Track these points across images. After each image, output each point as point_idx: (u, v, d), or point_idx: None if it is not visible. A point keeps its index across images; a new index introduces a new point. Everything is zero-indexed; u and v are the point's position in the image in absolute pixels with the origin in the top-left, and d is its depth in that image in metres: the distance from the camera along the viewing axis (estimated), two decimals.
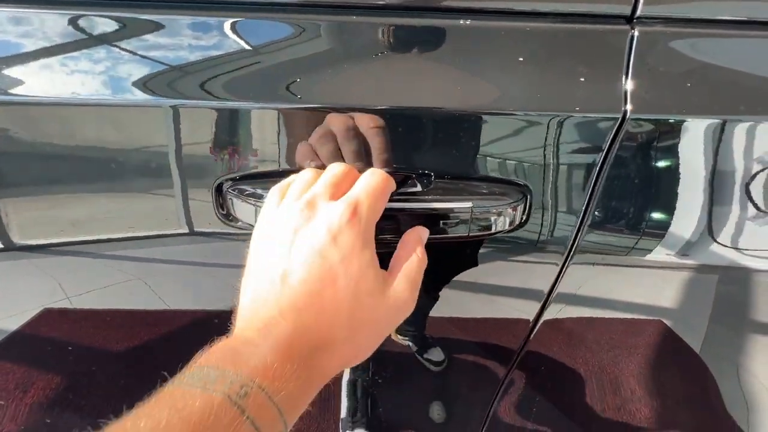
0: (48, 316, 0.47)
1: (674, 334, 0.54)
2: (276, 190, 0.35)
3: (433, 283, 0.48)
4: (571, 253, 0.43)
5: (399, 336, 0.53)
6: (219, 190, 0.39)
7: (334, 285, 0.30)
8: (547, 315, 0.49)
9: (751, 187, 0.41)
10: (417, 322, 0.51)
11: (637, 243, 0.43)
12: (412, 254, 0.35)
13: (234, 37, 0.36)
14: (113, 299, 0.46)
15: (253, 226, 0.37)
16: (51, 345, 0.50)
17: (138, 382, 0.55)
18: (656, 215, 0.42)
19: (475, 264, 0.44)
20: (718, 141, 0.39)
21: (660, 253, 0.44)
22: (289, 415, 0.27)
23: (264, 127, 0.37)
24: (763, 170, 0.40)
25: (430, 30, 0.37)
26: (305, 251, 0.31)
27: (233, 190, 0.38)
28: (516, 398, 0.59)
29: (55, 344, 0.50)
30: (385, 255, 0.41)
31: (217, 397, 0.24)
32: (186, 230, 0.41)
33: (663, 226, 0.43)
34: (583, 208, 0.41)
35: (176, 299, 0.47)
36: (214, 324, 0.49)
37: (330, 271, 0.30)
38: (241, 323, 0.31)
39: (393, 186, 0.35)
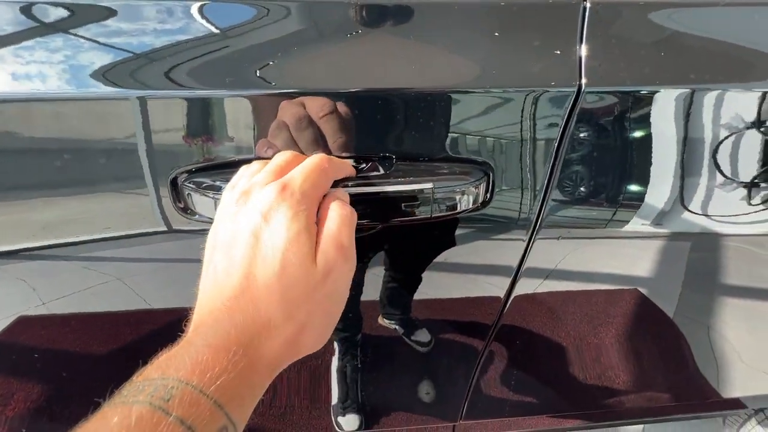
0: (24, 323, 0.45)
1: (649, 302, 0.56)
2: (228, 188, 0.35)
3: (415, 264, 0.48)
4: (537, 228, 0.44)
5: (386, 320, 0.53)
6: (174, 183, 0.38)
7: (265, 263, 0.30)
8: (519, 289, 0.50)
9: (710, 155, 0.42)
10: (402, 305, 0.52)
11: (603, 215, 0.45)
12: (331, 214, 0.33)
13: (200, 21, 0.35)
14: (92, 302, 0.45)
15: (211, 219, 0.36)
16: (29, 353, 0.48)
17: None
18: (616, 187, 0.43)
19: (453, 243, 0.45)
20: (675, 110, 0.40)
21: (630, 225, 0.45)
22: (231, 407, 0.26)
23: (227, 116, 0.36)
24: (724, 137, 0.42)
25: (379, 9, 0.36)
26: (241, 236, 0.31)
27: (189, 183, 0.38)
28: (496, 371, 0.60)
29: (33, 352, 0.48)
30: (357, 241, 0.41)
31: (137, 408, 0.23)
32: (164, 228, 0.40)
33: (626, 199, 0.44)
34: (545, 183, 0.41)
35: (157, 298, 0.46)
36: None
37: (262, 250, 0.30)
38: (189, 327, 0.31)
39: (335, 166, 0.34)
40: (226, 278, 0.30)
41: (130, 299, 0.45)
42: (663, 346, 0.63)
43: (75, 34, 0.34)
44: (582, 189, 0.42)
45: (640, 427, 1.19)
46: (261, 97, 0.36)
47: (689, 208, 0.45)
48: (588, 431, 0.77)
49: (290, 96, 0.35)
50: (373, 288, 0.49)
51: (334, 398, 0.61)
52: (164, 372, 0.26)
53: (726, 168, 0.43)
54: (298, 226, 0.30)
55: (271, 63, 0.35)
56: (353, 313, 0.52)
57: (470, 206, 0.41)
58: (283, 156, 0.35)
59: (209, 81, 0.35)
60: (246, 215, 0.31)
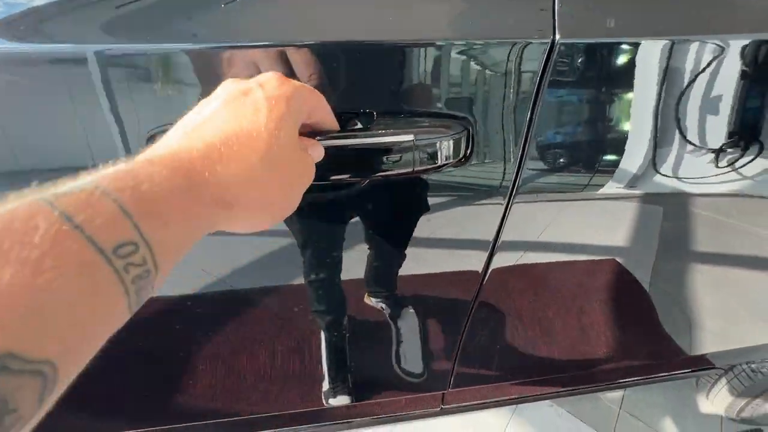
0: None
1: (625, 270, 0.57)
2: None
3: (397, 234, 0.48)
4: (514, 190, 0.44)
5: (372, 299, 0.53)
6: (152, 142, 0.36)
7: (257, 115, 0.28)
8: (498, 262, 0.50)
9: (684, 109, 0.42)
10: (387, 283, 0.52)
11: (580, 179, 0.45)
12: (311, 146, 0.34)
13: None
14: None
15: None
16: None
17: (118, 381, 0.53)
18: (593, 147, 0.43)
19: (427, 208, 0.45)
20: (649, 63, 0.40)
21: (605, 188, 0.46)
22: (147, 223, 0.22)
23: (204, 69, 0.35)
24: (703, 91, 0.41)
25: None
26: (227, 94, 0.29)
27: None
28: (480, 341, 0.61)
29: None
30: (342, 198, 0.39)
31: (19, 201, 0.19)
32: None
33: (602, 166, 0.44)
34: (523, 139, 0.41)
35: None
36: (191, 308, 0.48)
37: (255, 104, 0.29)
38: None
39: (323, 98, 0.34)
40: (197, 119, 0.28)
41: None
42: (638, 311, 0.66)
43: None
44: (559, 143, 0.42)
45: (621, 392, 1.24)
46: (236, 50, 0.35)
47: (660, 171, 0.46)
48: (571, 397, 0.80)
49: (267, 48, 0.34)
50: (359, 268, 0.49)
51: (325, 385, 0.61)
52: (77, 180, 0.21)
53: (699, 126, 0.44)
54: (295, 104, 0.30)
55: (246, 15, 0.34)
56: (339, 294, 0.52)
57: (451, 160, 0.41)
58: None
59: (178, 35, 0.34)
60: (241, 84, 0.30)
